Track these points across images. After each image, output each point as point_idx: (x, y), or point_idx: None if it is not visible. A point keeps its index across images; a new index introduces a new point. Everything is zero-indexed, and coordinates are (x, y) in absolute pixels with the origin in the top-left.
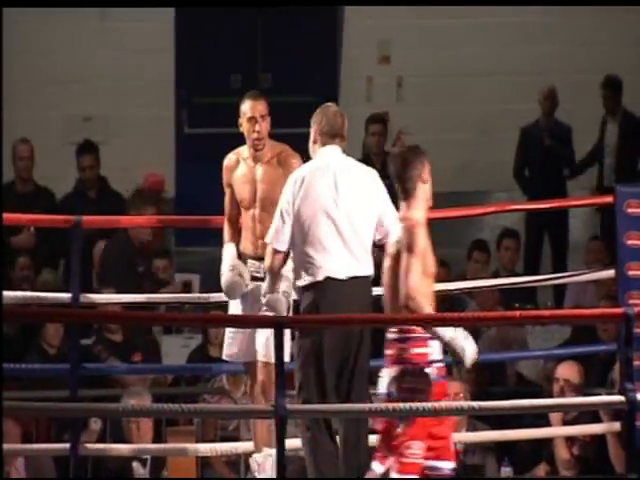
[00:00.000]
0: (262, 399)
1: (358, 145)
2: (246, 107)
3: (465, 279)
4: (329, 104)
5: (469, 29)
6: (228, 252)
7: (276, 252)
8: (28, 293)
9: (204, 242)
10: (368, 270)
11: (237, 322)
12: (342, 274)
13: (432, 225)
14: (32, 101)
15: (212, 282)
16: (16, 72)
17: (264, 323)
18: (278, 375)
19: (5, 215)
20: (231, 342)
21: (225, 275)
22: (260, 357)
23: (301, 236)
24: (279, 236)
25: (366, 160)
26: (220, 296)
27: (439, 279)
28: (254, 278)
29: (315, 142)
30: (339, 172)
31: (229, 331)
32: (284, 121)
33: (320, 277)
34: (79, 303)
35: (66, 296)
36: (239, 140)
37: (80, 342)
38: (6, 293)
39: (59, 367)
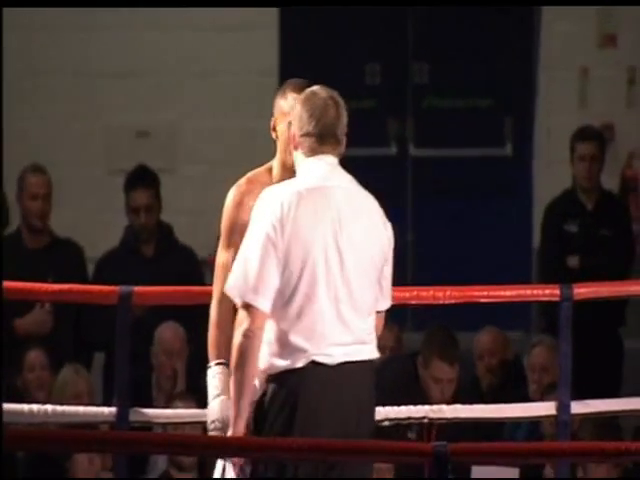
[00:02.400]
0: None
1: (566, 172)
2: (291, 104)
3: None
4: (315, 88)
5: None
6: (220, 379)
7: (257, 314)
8: (46, 407)
9: None
10: (371, 352)
11: (381, 452)
12: (333, 358)
13: None
14: (52, 106)
15: None
16: (24, 62)
17: (416, 452)
18: None
19: (7, 284)
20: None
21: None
22: None
23: (278, 296)
24: (261, 286)
25: (571, 196)
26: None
27: None
28: None
29: (297, 147)
30: (344, 201)
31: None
32: (448, 136)
33: (301, 362)
34: (129, 423)
35: (108, 411)
36: (377, 162)
37: None
38: (11, 407)
39: None
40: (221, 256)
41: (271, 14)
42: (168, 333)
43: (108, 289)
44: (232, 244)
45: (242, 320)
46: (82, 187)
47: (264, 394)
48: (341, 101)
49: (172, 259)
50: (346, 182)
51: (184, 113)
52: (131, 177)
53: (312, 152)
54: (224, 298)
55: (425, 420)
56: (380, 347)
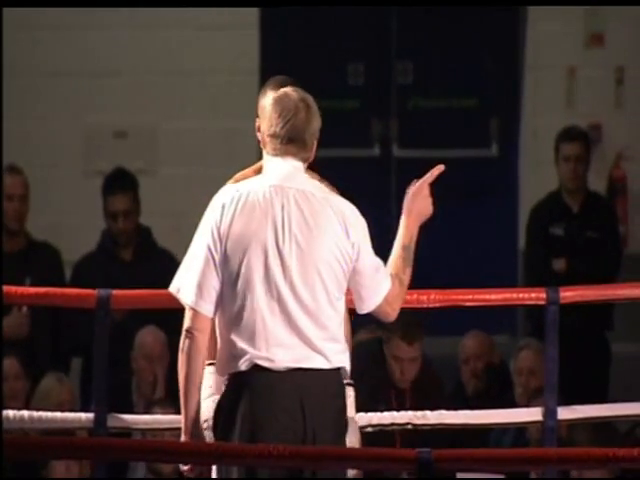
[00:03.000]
0: None
1: (552, 173)
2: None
3: None
4: (288, 90)
5: None
6: (213, 379)
7: (198, 315)
8: (23, 413)
9: None
10: (330, 361)
11: (365, 459)
12: (277, 363)
13: None
14: (29, 106)
15: None
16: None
17: (400, 459)
18: None
19: None
20: None
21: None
22: None
23: (220, 298)
24: (200, 289)
25: (556, 198)
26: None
27: None
28: None
29: (263, 146)
30: (296, 204)
31: None
32: (433, 137)
33: (244, 366)
34: (106, 429)
35: (85, 417)
36: (360, 163)
37: None
38: None
39: None
40: None
41: (252, 14)
42: (149, 338)
43: (86, 292)
44: None
45: (185, 321)
46: (59, 188)
47: (222, 396)
48: (314, 105)
49: (151, 263)
50: (307, 185)
51: (164, 113)
52: (109, 181)
53: (276, 153)
54: None
55: (409, 426)
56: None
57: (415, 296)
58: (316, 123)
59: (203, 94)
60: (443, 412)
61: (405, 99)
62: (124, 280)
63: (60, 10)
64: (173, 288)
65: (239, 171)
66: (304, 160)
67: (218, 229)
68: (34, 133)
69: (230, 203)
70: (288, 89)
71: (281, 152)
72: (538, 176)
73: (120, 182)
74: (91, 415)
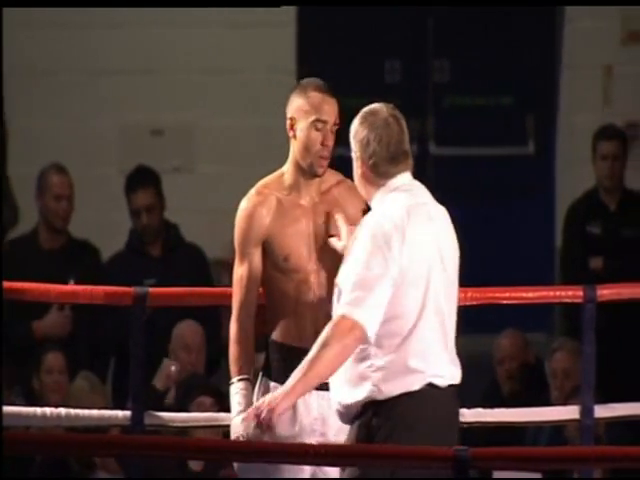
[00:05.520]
0: None
1: (589, 171)
2: (314, 102)
3: None
4: (374, 108)
5: None
6: (243, 395)
7: (362, 331)
8: (60, 410)
9: None
10: (459, 374)
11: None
12: (445, 379)
13: None
14: (65, 105)
15: None
16: (38, 60)
17: (437, 457)
18: None
19: (26, 285)
20: None
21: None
22: None
23: (392, 318)
24: (372, 313)
25: (593, 196)
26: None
27: None
28: None
29: (368, 179)
30: (437, 217)
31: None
32: (470, 134)
33: (417, 385)
34: (144, 426)
35: (122, 414)
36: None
37: None
38: (24, 410)
39: None
40: (237, 270)
41: (289, 12)
42: (187, 329)
43: (122, 290)
44: (247, 257)
45: (345, 332)
46: (96, 187)
47: (368, 420)
48: (399, 113)
49: (179, 258)
50: (430, 198)
51: (200, 111)
52: (130, 179)
53: (387, 176)
54: (241, 313)
55: None
56: None
57: None
58: (406, 128)
59: (240, 92)
60: (480, 410)
61: (442, 97)
62: (154, 275)
63: (97, 8)
64: (340, 305)
65: (276, 170)
66: (412, 168)
67: (401, 237)
68: (71, 132)
69: (400, 219)
70: (374, 107)
71: (391, 173)
72: (575, 174)
73: (140, 179)
74: (128, 413)
